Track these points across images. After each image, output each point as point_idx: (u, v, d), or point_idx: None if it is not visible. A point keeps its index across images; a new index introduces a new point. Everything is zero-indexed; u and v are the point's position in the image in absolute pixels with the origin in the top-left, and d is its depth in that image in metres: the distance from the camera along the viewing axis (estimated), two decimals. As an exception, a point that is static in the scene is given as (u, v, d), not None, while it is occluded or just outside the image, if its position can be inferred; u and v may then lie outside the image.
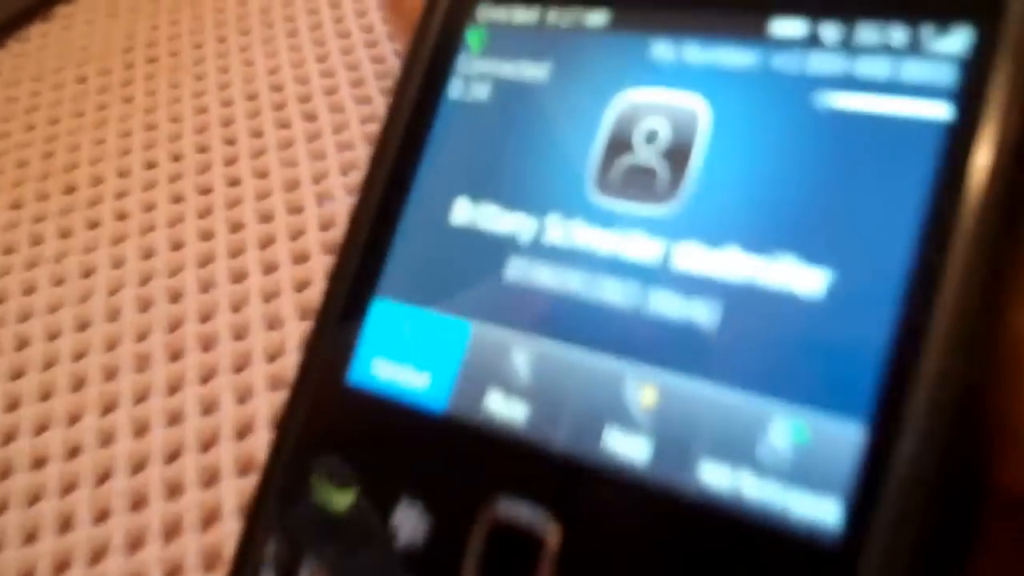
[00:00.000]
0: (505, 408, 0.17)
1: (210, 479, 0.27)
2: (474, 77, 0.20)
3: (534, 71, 0.20)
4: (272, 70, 0.40)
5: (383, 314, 0.20)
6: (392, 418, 0.18)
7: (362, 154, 0.37)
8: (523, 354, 0.18)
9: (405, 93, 0.21)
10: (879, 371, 0.14)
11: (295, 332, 0.30)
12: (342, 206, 0.34)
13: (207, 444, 0.28)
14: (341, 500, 0.18)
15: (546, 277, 0.18)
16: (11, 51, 0.45)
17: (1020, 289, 0.13)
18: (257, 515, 0.19)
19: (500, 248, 0.19)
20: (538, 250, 0.18)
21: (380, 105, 0.38)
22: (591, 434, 0.16)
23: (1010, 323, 0.13)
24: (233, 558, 0.18)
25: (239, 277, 0.33)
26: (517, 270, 0.18)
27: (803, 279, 0.15)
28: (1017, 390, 0.13)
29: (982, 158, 0.14)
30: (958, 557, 0.13)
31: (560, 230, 0.18)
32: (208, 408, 0.29)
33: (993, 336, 0.13)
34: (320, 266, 0.32)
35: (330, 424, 0.19)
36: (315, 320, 0.20)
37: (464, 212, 0.19)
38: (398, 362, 0.19)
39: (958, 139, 0.14)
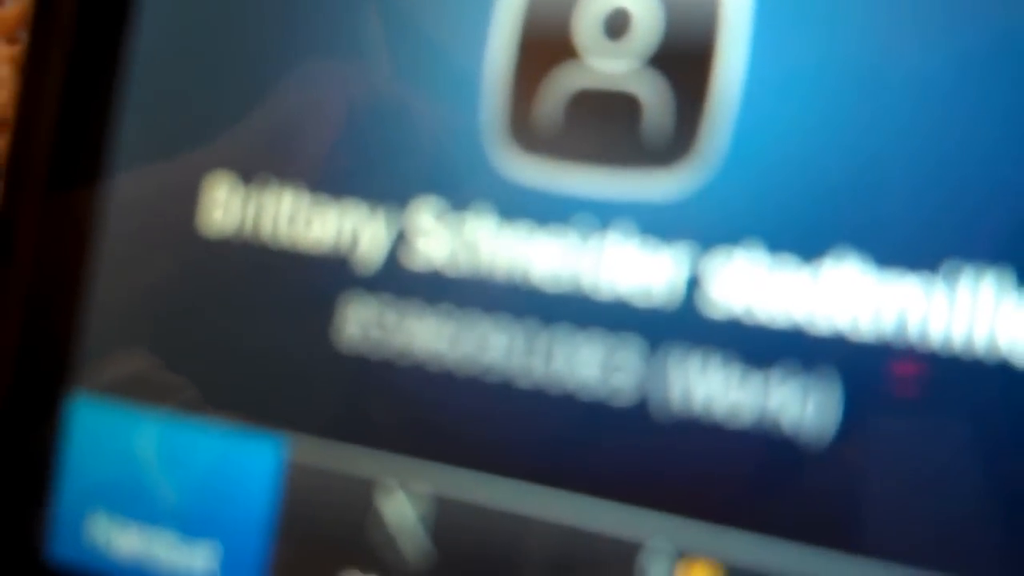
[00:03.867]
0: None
1: None
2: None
3: None
4: None
5: (93, 424, 0.12)
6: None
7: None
8: (402, 499, 0.11)
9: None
10: None
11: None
12: None
13: None
14: None
15: (428, 337, 0.10)
16: None
17: None
18: None
19: (319, 278, 0.11)
20: (399, 281, 0.11)
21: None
22: None
23: None
24: None
25: None
26: (362, 326, 0.11)
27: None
28: None
29: None
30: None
31: (446, 237, 0.11)
32: None
33: None
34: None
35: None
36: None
37: (228, 206, 0.12)
38: (138, 520, 0.12)
39: None
